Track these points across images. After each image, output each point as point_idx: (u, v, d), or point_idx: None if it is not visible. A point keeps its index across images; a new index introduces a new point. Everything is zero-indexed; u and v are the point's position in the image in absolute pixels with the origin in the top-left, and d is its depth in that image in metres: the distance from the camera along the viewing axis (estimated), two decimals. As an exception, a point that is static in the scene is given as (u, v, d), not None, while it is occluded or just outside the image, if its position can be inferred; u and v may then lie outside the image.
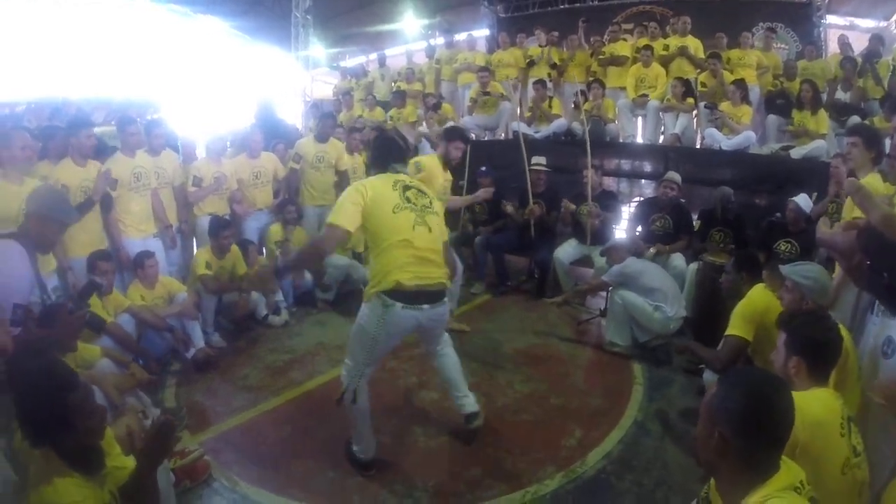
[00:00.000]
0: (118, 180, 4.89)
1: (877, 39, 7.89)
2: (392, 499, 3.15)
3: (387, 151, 3.39)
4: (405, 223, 3.09)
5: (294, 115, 12.50)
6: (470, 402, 3.64)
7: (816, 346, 2.21)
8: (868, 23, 10.61)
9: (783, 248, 5.13)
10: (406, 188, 3.21)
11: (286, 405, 4.12)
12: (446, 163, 4.86)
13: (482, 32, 12.61)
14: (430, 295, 3.15)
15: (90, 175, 4.67)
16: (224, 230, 5.14)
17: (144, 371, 3.69)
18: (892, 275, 2.14)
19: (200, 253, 5.18)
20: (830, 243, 2.32)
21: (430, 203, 3.28)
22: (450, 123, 8.40)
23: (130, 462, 2.22)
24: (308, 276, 6.00)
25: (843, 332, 2.48)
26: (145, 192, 5.15)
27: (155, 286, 4.72)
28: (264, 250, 6.01)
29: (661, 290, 4.83)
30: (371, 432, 3.36)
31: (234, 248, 5.28)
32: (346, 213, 3.03)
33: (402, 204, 3.12)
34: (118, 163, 4.98)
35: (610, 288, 5.11)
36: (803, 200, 5.11)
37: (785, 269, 3.08)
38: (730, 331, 3.36)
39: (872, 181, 3.27)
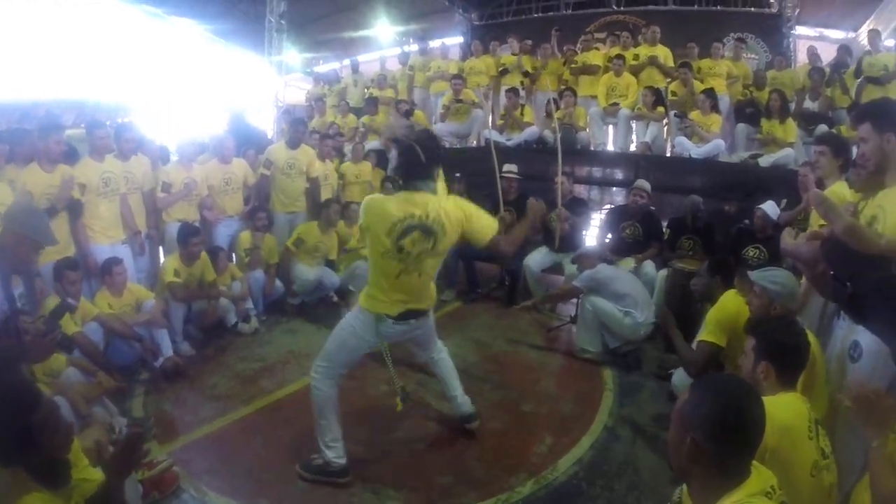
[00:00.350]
0: (86, 185, 4.82)
1: (844, 50, 8.09)
2: (363, 508, 3.14)
3: (408, 167, 3.07)
4: (391, 270, 3.07)
5: (266, 121, 12.41)
6: (467, 403, 3.79)
7: (785, 350, 2.25)
8: (837, 34, 10.90)
9: (752, 254, 5.22)
10: (404, 233, 2.97)
11: (256, 414, 4.07)
12: None
13: (456, 40, 12.66)
14: (416, 313, 3.26)
15: (56, 181, 4.59)
16: (193, 237, 5.07)
17: (111, 379, 3.64)
18: (854, 284, 2.18)
19: (169, 260, 5.11)
20: (795, 253, 2.36)
21: (434, 245, 3.05)
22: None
23: (98, 474, 2.18)
24: (279, 283, 5.96)
25: (811, 336, 2.53)
26: (114, 198, 5.06)
27: (123, 294, 4.64)
28: (234, 257, 5.94)
29: (631, 296, 4.88)
30: (340, 428, 3.34)
31: (204, 255, 5.21)
32: None
33: (393, 253, 3.00)
34: (86, 167, 4.90)
35: (581, 294, 5.14)
36: (770, 207, 5.21)
37: (754, 274, 3.12)
38: (703, 336, 3.40)
39: (839, 189, 3.33)
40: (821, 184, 3.81)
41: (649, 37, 8.59)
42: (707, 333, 3.38)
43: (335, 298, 6.33)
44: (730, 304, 3.40)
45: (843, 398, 2.12)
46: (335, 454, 3.30)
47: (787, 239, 2.68)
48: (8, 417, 1.86)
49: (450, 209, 3.09)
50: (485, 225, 3.19)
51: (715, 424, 1.52)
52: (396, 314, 3.15)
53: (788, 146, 6.90)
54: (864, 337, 2.60)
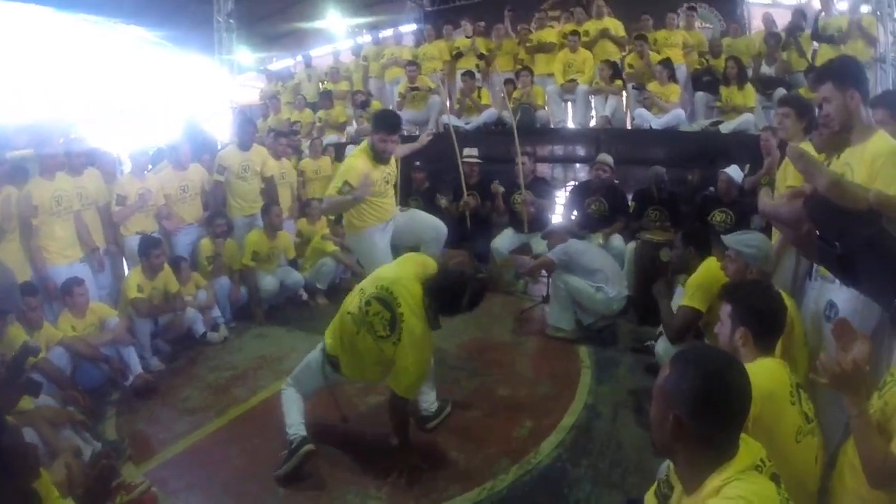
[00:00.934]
0: (38, 206, 4.68)
1: (799, 14, 8.16)
2: (346, 509, 3.09)
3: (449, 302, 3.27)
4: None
5: (222, 124, 12.18)
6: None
7: (761, 315, 2.23)
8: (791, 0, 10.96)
9: (718, 218, 5.28)
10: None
11: (231, 424, 3.99)
12: (377, 155, 4.47)
13: (409, 28, 12.52)
14: None
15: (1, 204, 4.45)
16: (154, 249, 4.94)
17: (79, 413, 3.55)
18: (843, 243, 2.08)
19: (131, 275, 4.97)
20: (775, 214, 2.28)
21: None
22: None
23: None
24: (243, 290, 5.86)
25: (787, 300, 2.52)
26: (68, 216, 4.94)
27: (85, 314, 4.52)
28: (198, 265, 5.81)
29: (602, 272, 4.86)
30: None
31: (166, 266, 5.09)
32: None
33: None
34: (37, 187, 4.77)
35: (551, 273, 5.12)
36: (734, 171, 5.27)
37: (727, 239, 3.12)
38: (685, 301, 3.42)
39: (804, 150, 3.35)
40: (783, 146, 3.82)
41: (594, 11, 8.60)
42: (688, 298, 3.40)
43: (304, 296, 6.27)
44: (712, 270, 3.40)
45: (817, 378, 2.09)
46: (294, 431, 3.37)
47: (766, 199, 2.62)
48: None
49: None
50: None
51: (698, 400, 1.46)
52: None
53: (748, 111, 6.96)
54: (839, 296, 2.61)
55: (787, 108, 3.63)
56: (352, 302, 3.34)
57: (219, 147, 7.06)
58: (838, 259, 2.09)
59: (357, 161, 4.43)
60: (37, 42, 11.84)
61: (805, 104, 3.66)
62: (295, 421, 3.39)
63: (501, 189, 6.20)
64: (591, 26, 8.46)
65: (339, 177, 4.42)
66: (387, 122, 4.47)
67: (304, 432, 3.35)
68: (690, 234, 3.92)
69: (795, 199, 2.18)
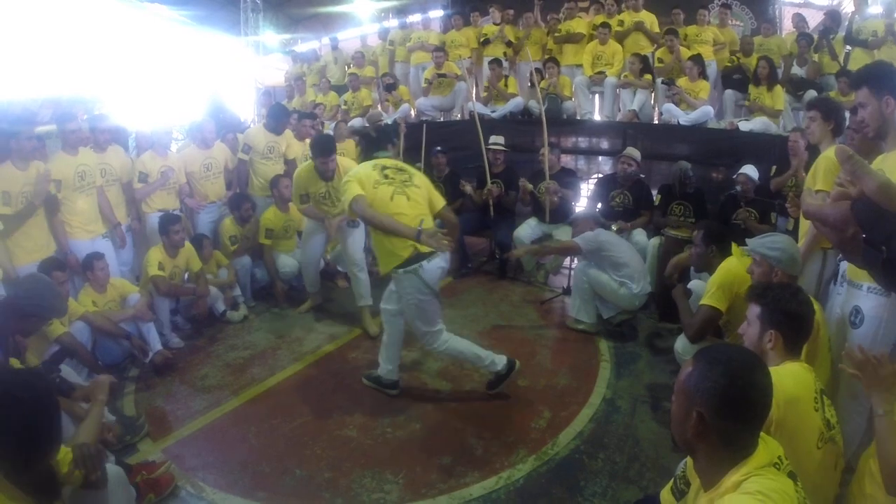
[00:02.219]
0: (61, 181, 4.70)
1: (832, 16, 8.02)
2: (363, 493, 3.08)
3: None
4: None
5: (245, 104, 12.21)
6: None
7: (793, 319, 2.20)
8: (822, 1, 10.81)
9: (742, 216, 5.22)
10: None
11: (249, 404, 4.00)
12: (321, 175, 4.94)
13: (437, 13, 12.44)
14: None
15: (31, 178, 4.44)
16: (174, 224, 4.94)
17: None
18: (890, 248, 2.02)
19: (152, 252, 4.96)
20: (820, 216, 2.21)
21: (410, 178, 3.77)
22: (404, 105, 8.35)
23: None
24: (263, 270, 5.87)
25: (815, 304, 2.48)
26: (91, 191, 4.95)
27: (106, 289, 4.54)
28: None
29: (630, 266, 4.82)
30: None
31: (188, 244, 5.10)
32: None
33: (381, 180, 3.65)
34: (60, 162, 4.78)
35: (574, 265, 5.07)
36: (751, 170, 5.23)
37: (751, 242, 3.05)
38: (705, 300, 3.35)
39: (833, 154, 3.27)
40: (814, 150, 3.74)
41: (632, 3, 8.44)
42: (708, 297, 3.34)
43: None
44: (732, 269, 3.34)
45: (845, 367, 2.05)
46: (387, 372, 4.00)
47: (810, 200, 2.56)
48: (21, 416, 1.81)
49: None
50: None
51: (722, 399, 1.47)
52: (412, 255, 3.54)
53: (776, 113, 6.88)
54: (866, 302, 2.57)
55: (814, 111, 3.55)
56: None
57: (244, 126, 7.06)
58: (884, 263, 2.02)
59: (301, 173, 5.07)
60: (62, 18, 11.90)
61: (833, 106, 3.58)
62: (392, 361, 4.02)
63: (530, 187, 6.14)
64: (627, 18, 8.32)
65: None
66: (322, 147, 4.84)
67: (396, 377, 4.04)
68: (710, 233, 3.84)
69: (841, 200, 2.10)
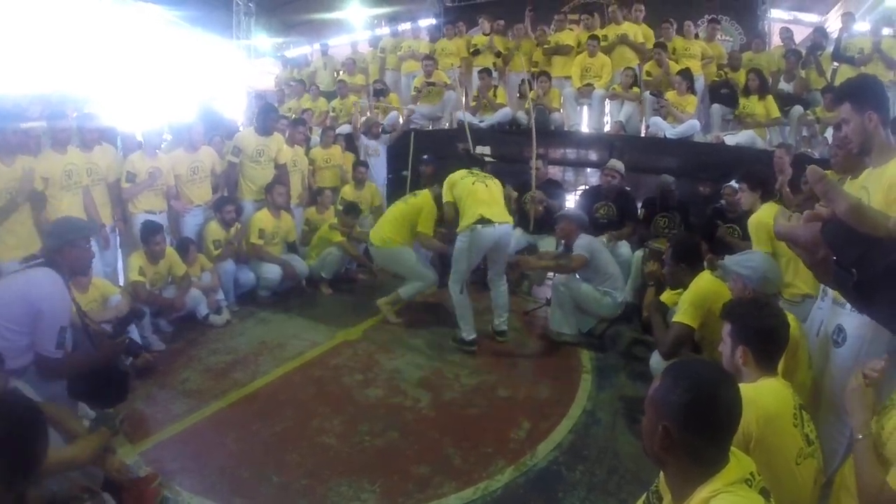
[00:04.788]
0: (48, 178, 4.69)
1: (820, 32, 8.13)
2: (340, 501, 3.07)
3: None
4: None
5: (236, 107, 12.18)
6: (503, 323, 5.10)
7: (761, 334, 2.21)
8: (811, 17, 11.00)
9: (722, 232, 5.25)
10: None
11: (229, 409, 3.98)
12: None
13: (428, 21, 12.49)
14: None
15: (17, 174, 4.43)
16: (155, 235, 4.92)
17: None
18: (860, 270, 2.04)
19: (134, 257, 4.95)
20: (791, 237, 2.25)
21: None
22: (393, 112, 8.37)
23: None
24: (250, 274, 5.86)
25: (793, 320, 2.49)
26: (77, 191, 4.94)
27: (88, 289, 4.50)
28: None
29: (615, 276, 4.90)
30: (472, 316, 4.90)
31: (170, 251, 5.09)
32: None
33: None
34: (48, 160, 4.77)
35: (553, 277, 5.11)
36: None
37: (726, 261, 3.08)
38: (677, 317, 3.37)
39: (766, 217, 3.51)
40: (797, 164, 3.86)
41: (611, 17, 8.58)
42: (680, 314, 3.36)
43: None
44: (705, 286, 3.36)
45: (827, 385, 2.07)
46: (467, 333, 4.85)
47: (782, 221, 2.62)
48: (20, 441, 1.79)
49: None
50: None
51: (686, 412, 1.47)
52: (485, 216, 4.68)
53: (772, 123, 7.03)
54: (849, 321, 2.57)
55: (743, 183, 3.89)
56: None
57: (237, 131, 7.06)
58: (854, 286, 2.04)
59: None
60: (55, 15, 11.84)
61: (759, 178, 3.92)
62: (470, 319, 4.90)
63: (515, 194, 6.17)
64: (610, 31, 8.40)
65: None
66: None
67: (474, 335, 4.89)
68: (679, 251, 3.84)
69: (813, 221, 2.12)
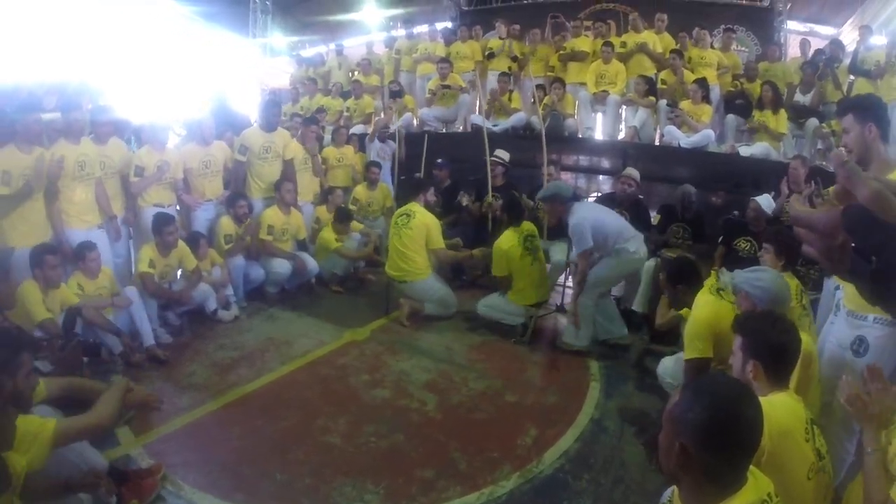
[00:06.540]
0: (62, 168, 4.69)
1: (836, 45, 8.06)
2: (342, 502, 3.05)
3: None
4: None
5: (250, 104, 12.21)
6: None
7: (773, 349, 2.17)
8: (827, 29, 10.95)
9: (742, 246, 5.18)
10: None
11: (234, 404, 3.97)
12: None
13: (444, 25, 12.48)
14: None
15: (34, 162, 4.47)
16: (167, 226, 4.92)
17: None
18: (881, 258, 2.01)
19: (144, 250, 4.94)
20: (808, 222, 2.24)
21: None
22: (407, 114, 8.36)
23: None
24: (260, 270, 5.85)
25: (805, 335, 2.45)
26: (89, 182, 4.94)
27: (97, 276, 4.53)
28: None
29: (623, 228, 4.80)
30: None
31: (181, 244, 5.08)
32: None
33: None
34: (62, 150, 4.76)
35: (568, 282, 5.05)
36: (765, 201, 5.12)
37: (737, 276, 3.02)
38: (688, 354, 3.26)
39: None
40: (811, 177, 3.80)
41: (633, 24, 8.53)
42: (690, 350, 3.25)
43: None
44: (703, 315, 3.25)
45: (840, 397, 2.05)
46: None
47: (798, 206, 2.60)
48: None
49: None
50: None
51: (705, 432, 1.41)
52: None
53: (779, 137, 6.92)
54: (871, 332, 2.60)
55: (769, 245, 3.69)
56: None
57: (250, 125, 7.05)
58: (872, 274, 2.01)
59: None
60: (70, 6, 11.92)
61: (786, 246, 3.63)
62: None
63: (531, 203, 6.13)
64: (629, 39, 8.37)
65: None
66: None
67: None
68: (672, 275, 3.81)
69: (832, 208, 2.10)
